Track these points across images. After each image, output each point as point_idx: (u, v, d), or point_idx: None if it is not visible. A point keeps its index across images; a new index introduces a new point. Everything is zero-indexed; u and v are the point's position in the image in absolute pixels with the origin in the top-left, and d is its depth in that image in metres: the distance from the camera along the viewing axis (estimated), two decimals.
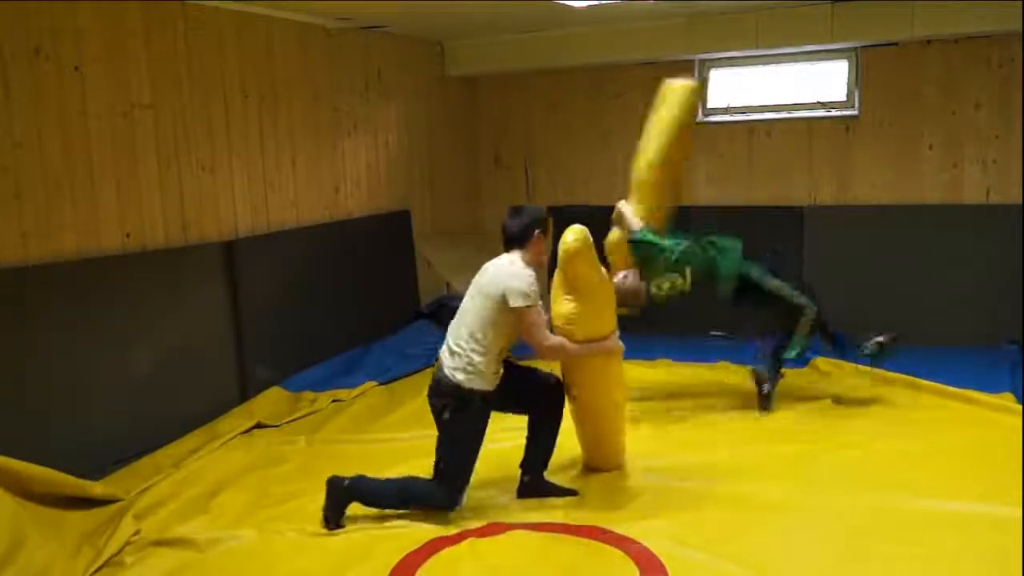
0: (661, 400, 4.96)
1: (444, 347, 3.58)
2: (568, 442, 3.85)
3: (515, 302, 3.39)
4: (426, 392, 3.61)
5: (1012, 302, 5.71)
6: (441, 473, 3.50)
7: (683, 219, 5.25)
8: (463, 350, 3.45)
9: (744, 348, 5.86)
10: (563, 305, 3.66)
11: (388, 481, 3.55)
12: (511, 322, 3.44)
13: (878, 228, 6.17)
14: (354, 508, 3.59)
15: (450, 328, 3.59)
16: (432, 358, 5.89)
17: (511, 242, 3.56)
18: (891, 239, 6.13)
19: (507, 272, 3.47)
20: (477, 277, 3.59)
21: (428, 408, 4.93)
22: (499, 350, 3.47)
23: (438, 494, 3.48)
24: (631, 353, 5.69)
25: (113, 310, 4.21)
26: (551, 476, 3.77)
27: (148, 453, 4.24)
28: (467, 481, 3.53)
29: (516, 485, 3.69)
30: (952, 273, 5.97)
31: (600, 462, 3.95)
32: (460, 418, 3.47)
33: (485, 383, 3.45)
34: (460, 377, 3.44)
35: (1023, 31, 5.43)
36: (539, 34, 6.60)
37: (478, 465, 4.03)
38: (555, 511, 3.54)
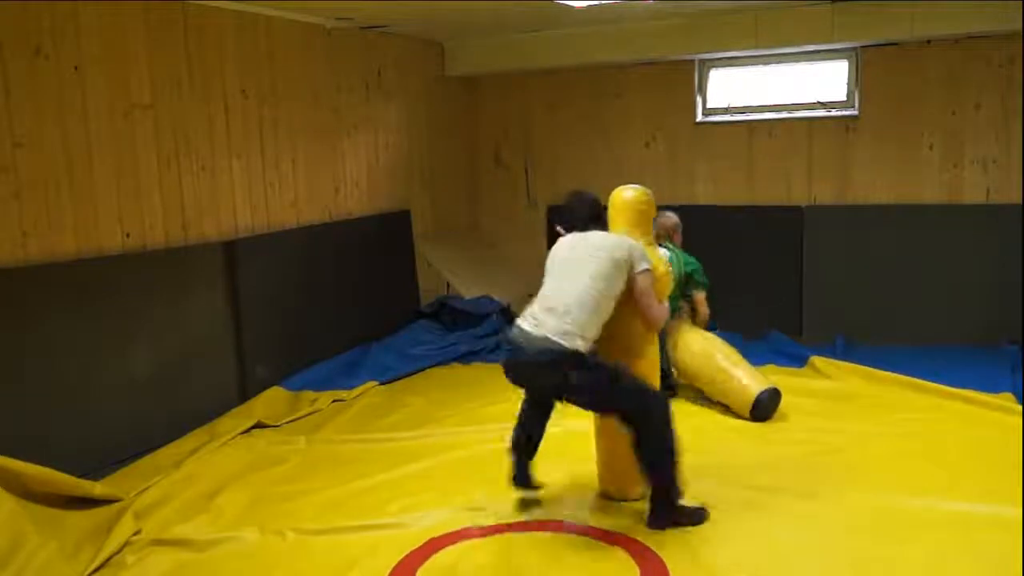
0: (672, 400, 4.94)
1: (536, 313, 3.30)
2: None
3: (641, 265, 3.32)
4: (510, 372, 3.35)
5: (1012, 302, 5.71)
6: (636, 409, 3.24)
7: (685, 220, 5.25)
8: (572, 318, 3.20)
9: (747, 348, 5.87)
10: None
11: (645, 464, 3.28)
12: (621, 290, 3.31)
13: (878, 228, 6.17)
14: (353, 512, 3.59)
15: (544, 297, 3.35)
16: (432, 358, 5.95)
17: (594, 221, 3.51)
18: (891, 239, 6.13)
19: (622, 239, 3.39)
20: (577, 246, 3.41)
21: (428, 407, 4.97)
22: (603, 324, 3.30)
23: (656, 417, 3.25)
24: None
25: (113, 310, 4.21)
26: (556, 491, 3.69)
27: (148, 453, 4.24)
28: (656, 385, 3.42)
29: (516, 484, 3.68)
30: (952, 273, 5.97)
31: (615, 487, 3.65)
32: (590, 370, 3.22)
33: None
34: (578, 344, 3.18)
35: (1023, 31, 5.43)
36: (539, 34, 6.61)
37: (478, 465, 4.05)
38: (555, 511, 3.53)
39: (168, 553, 3.27)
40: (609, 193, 3.69)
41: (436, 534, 3.33)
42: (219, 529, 3.46)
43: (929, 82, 6.02)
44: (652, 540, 3.21)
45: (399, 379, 5.56)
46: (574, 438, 4.27)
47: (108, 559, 3.20)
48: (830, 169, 6.37)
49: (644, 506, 3.44)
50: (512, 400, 4.95)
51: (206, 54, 4.81)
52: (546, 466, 3.97)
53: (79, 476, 3.60)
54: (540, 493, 3.62)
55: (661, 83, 6.80)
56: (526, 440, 3.59)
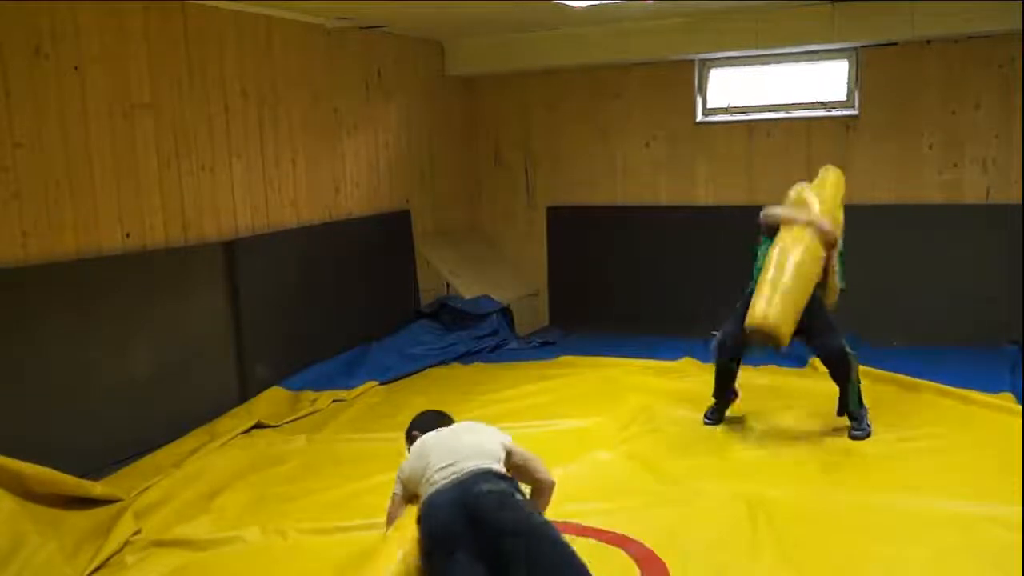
0: (672, 401, 4.94)
1: None
2: None
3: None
4: None
5: (1012, 302, 5.71)
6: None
7: (684, 219, 5.26)
8: None
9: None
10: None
11: None
12: None
13: (878, 228, 6.15)
14: (353, 512, 3.59)
15: None
16: (432, 358, 5.95)
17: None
18: (891, 239, 6.12)
19: None
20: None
21: (428, 407, 4.95)
22: None
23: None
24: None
25: (113, 310, 4.21)
26: None
27: (148, 453, 4.24)
28: None
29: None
30: (952, 273, 5.96)
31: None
32: None
33: None
34: None
35: (1023, 31, 5.43)
36: (539, 34, 6.60)
37: None
38: (556, 511, 3.53)
39: (168, 553, 3.27)
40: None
41: None
42: (219, 529, 3.46)
43: (929, 82, 6.02)
44: (651, 540, 3.20)
45: (399, 379, 5.56)
46: (568, 438, 4.27)
47: (108, 559, 3.20)
48: None
49: (645, 504, 3.44)
50: (511, 400, 4.98)
51: (206, 54, 4.81)
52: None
53: (79, 476, 3.60)
54: None
55: (661, 83, 6.79)
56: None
